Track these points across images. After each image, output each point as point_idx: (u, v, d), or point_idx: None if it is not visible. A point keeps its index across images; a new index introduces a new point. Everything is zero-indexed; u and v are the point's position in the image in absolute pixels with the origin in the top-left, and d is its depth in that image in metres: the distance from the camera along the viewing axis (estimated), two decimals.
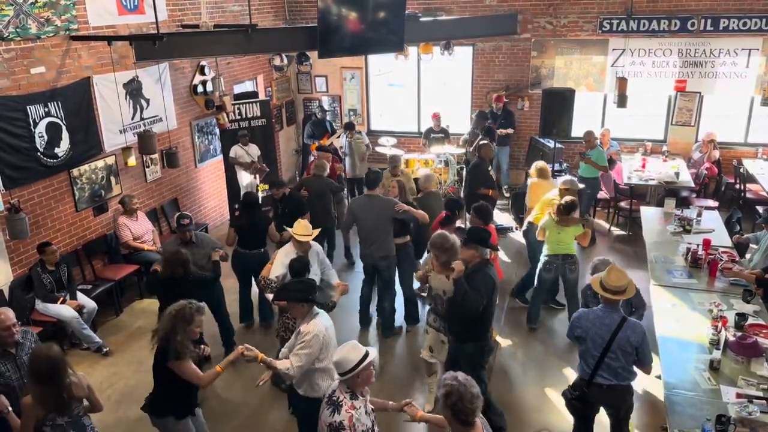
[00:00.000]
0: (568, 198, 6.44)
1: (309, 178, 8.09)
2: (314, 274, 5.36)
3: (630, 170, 9.58)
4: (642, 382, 5.50)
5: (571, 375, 6.00)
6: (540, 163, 8.03)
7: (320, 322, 4.18)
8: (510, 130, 10.60)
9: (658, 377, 4.92)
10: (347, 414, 3.41)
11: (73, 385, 3.78)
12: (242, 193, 9.54)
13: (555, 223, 6.42)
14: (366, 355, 3.50)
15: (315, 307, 4.28)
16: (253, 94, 10.12)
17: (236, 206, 8.85)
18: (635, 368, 4.37)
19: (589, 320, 4.34)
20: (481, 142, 8.34)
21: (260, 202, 7.01)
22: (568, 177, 7.24)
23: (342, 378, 3.50)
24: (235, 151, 9.23)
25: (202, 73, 9.25)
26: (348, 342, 3.58)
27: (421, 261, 6.78)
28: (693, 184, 9.32)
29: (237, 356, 4.11)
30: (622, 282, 4.31)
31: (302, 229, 5.49)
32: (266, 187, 9.63)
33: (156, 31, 6.64)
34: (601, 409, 4.58)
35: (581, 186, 7.38)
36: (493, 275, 4.83)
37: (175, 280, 5.31)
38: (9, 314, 4.20)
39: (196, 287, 5.39)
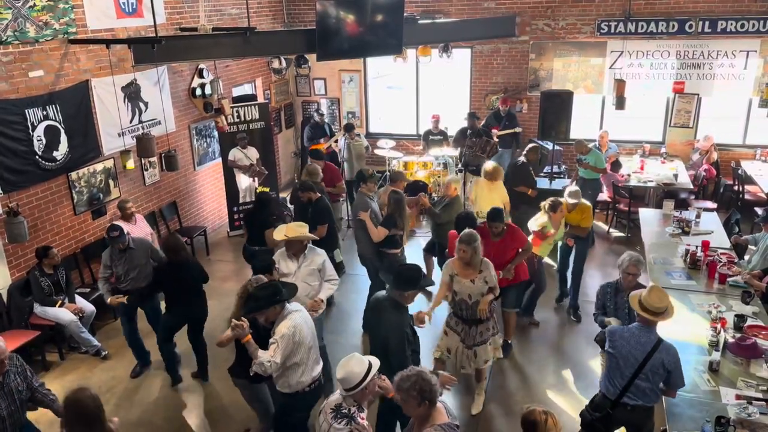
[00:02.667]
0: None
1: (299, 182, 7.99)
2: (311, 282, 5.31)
3: (629, 172, 9.58)
4: None
5: (570, 378, 6.01)
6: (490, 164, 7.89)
7: (290, 323, 4.18)
8: (518, 129, 10.61)
9: None
10: (363, 422, 3.42)
11: None
12: (240, 195, 9.59)
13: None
14: (370, 366, 3.46)
15: (288, 306, 4.29)
16: (252, 97, 10.12)
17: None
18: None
19: (624, 338, 4.15)
20: (530, 146, 8.32)
21: (266, 203, 6.99)
22: (573, 188, 7.01)
23: (349, 393, 3.44)
24: (234, 154, 9.23)
25: (201, 76, 9.25)
26: (350, 356, 3.51)
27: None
28: (692, 186, 9.33)
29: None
30: (663, 303, 4.17)
31: (287, 230, 5.34)
32: (266, 189, 9.62)
33: (154, 35, 6.64)
34: None
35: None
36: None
37: (181, 265, 5.76)
38: (2, 346, 3.91)
39: (197, 270, 5.96)
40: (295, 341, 4.16)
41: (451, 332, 5.43)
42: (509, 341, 6.49)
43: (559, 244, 7.05)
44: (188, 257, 6.01)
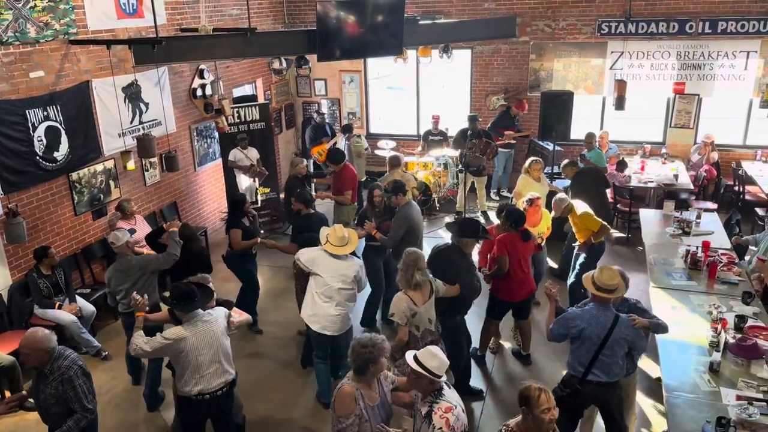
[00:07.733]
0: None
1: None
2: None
3: (629, 173, 9.58)
4: (643, 383, 5.51)
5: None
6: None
7: (180, 331, 4.20)
8: (528, 132, 10.71)
9: (658, 380, 4.92)
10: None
11: None
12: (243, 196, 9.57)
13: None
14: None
15: (197, 313, 4.28)
16: (252, 98, 10.12)
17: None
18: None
19: (584, 319, 4.36)
20: (567, 161, 8.08)
21: (237, 206, 6.93)
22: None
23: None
24: (234, 154, 9.23)
25: (201, 76, 9.25)
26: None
27: None
28: (692, 186, 9.32)
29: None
30: (614, 281, 4.37)
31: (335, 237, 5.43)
32: (266, 190, 9.63)
33: (155, 35, 6.64)
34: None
35: None
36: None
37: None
38: (28, 339, 4.03)
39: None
40: (173, 347, 4.17)
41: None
42: (525, 354, 6.34)
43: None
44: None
